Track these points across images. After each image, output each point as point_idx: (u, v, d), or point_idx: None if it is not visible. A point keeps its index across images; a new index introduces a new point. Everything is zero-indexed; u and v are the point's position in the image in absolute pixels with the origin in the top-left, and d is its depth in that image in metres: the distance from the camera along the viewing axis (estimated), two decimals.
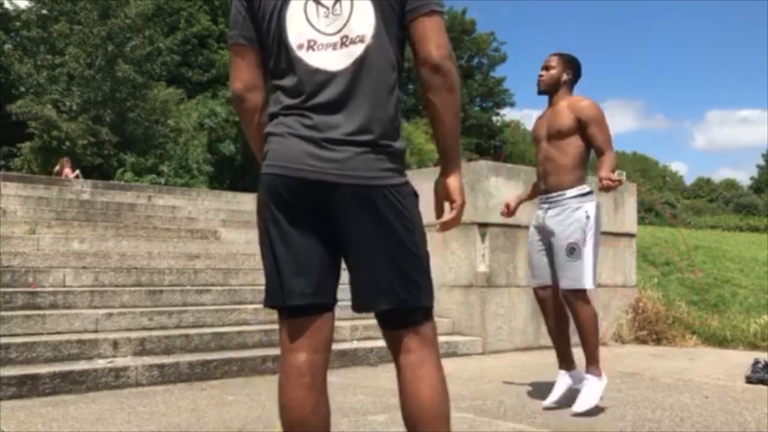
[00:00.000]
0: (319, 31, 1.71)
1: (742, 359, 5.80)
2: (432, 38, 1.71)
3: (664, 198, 32.51)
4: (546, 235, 3.81)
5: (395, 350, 1.84)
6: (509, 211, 4.13)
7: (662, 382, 4.88)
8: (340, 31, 1.70)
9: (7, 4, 20.77)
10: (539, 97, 4.00)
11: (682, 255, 10.34)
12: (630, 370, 5.43)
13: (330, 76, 1.69)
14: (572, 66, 3.87)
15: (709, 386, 4.71)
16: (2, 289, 4.92)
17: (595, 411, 3.68)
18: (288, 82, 1.74)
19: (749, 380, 4.86)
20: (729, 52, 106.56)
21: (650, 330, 7.52)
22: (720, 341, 7.33)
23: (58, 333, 4.70)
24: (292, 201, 1.72)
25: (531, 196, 4.23)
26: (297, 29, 1.72)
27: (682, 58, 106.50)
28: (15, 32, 20.75)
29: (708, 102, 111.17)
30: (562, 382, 3.86)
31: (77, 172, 15.89)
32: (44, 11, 20.58)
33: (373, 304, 1.81)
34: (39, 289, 5.20)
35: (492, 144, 34.27)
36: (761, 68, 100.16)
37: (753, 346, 7.01)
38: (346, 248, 1.78)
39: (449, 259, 6.78)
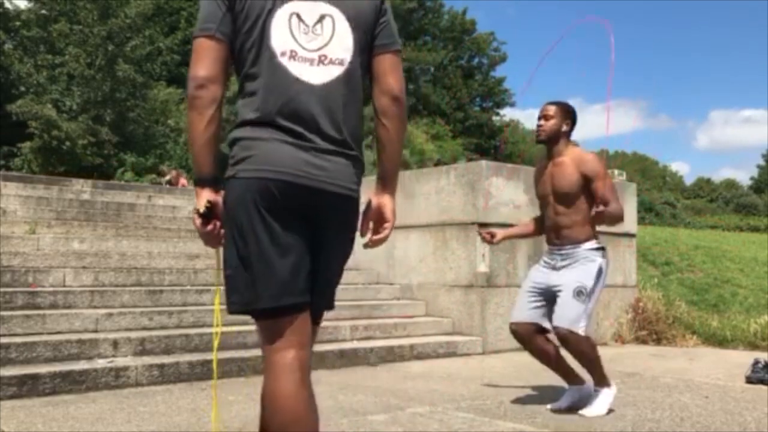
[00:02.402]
0: (299, 44, 1.83)
1: (742, 359, 5.80)
2: (395, 73, 1.93)
3: (664, 198, 32.47)
4: (550, 278, 3.78)
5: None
6: (490, 239, 4.07)
7: (662, 382, 4.88)
8: (319, 49, 1.83)
9: (7, 4, 20.77)
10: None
11: (682, 255, 10.34)
12: (630, 370, 5.43)
13: (309, 88, 1.80)
14: (570, 116, 3.88)
15: (709, 386, 4.71)
16: (2, 289, 4.92)
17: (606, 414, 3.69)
18: (266, 86, 1.81)
19: (749, 380, 4.86)
20: (732, 51, 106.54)
21: (650, 330, 7.52)
22: (720, 341, 7.33)
23: (58, 333, 4.69)
24: (284, 204, 1.77)
25: (525, 235, 4.25)
26: (281, 38, 1.82)
27: (686, 58, 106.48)
28: (15, 32, 20.75)
29: (711, 102, 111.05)
30: (570, 395, 3.83)
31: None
32: (44, 11, 20.58)
33: (321, 301, 1.92)
34: (39, 289, 5.20)
35: (492, 144, 34.27)
36: (764, 68, 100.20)
37: (753, 346, 7.02)
38: (320, 250, 1.87)
39: (449, 259, 6.78)
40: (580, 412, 3.69)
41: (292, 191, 1.76)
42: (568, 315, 3.65)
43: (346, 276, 8.63)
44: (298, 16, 1.83)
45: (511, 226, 6.36)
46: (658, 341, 7.45)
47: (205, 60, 1.83)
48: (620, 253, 7.78)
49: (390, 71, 1.92)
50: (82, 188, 10.86)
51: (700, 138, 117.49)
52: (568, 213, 3.78)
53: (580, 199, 3.76)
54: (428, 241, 7.03)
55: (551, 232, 3.88)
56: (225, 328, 5.21)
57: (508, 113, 44.38)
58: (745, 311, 8.39)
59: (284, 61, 1.81)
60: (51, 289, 5.26)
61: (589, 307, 3.68)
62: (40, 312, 4.82)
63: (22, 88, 19.17)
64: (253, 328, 5.61)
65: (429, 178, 7.16)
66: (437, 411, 3.75)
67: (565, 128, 3.85)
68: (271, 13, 1.82)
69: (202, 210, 1.82)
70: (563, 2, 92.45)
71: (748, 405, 4.06)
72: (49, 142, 17.80)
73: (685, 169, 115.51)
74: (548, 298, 3.77)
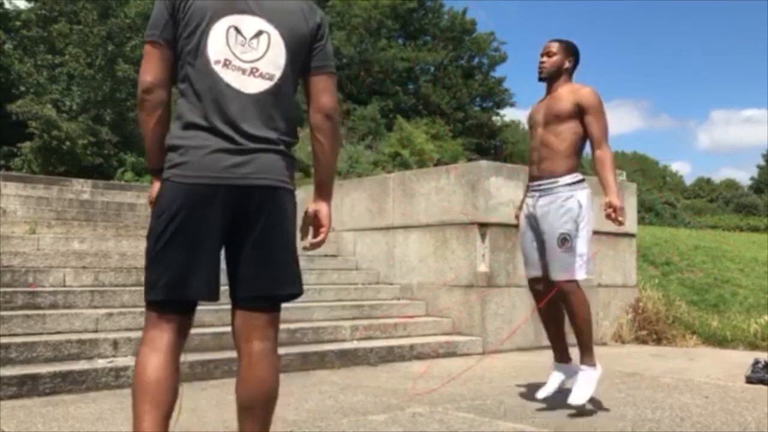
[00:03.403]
0: (234, 54, 1.98)
1: (742, 359, 5.80)
2: (328, 93, 2.12)
3: (664, 198, 32.44)
4: (537, 224, 3.77)
5: (248, 335, 2.01)
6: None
7: (662, 382, 4.88)
8: (252, 62, 1.99)
9: (7, 4, 20.76)
10: (539, 97, 3.98)
11: (682, 255, 10.34)
12: (630, 370, 5.43)
13: (239, 95, 1.96)
14: (573, 53, 3.84)
15: (709, 386, 4.71)
16: (2, 289, 4.92)
17: (592, 410, 3.67)
18: (199, 91, 1.96)
19: (749, 380, 4.86)
20: (733, 51, 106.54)
21: (650, 330, 7.52)
22: (720, 341, 7.33)
23: (58, 333, 4.70)
24: (208, 206, 1.92)
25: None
26: (216, 47, 1.97)
27: (687, 58, 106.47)
28: (15, 32, 20.74)
29: (712, 102, 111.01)
30: (556, 377, 3.83)
31: None
32: (44, 11, 20.57)
33: (265, 288, 2.02)
34: (39, 288, 5.20)
35: (492, 144, 34.24)
36: (765, 67, 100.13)
37: (753, 346, 7.01)
38: (246, 245, 1.98)
39: (449, 259, 6.78)
40: (568, 401, 3.63)
41: (219, 193, 1.91)
42: (559, 266, 3.63)
43: (347, 276, 8.63)
44: (237, 28, 1.98)
45: (511, 226, 6.37)
46: (658, 341, 7.44)
47: (151, 65, 2.00)
48: (620, 253, 7.78)
49: (323, 91, 2.10)
50: (82, 188, 10.86)
51: (701, 138, 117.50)
52: (552, 142, 3.72)
53: (568, 127, 3.69)
54: (428, 241, 7.03)
55: (533, 164, 3.83)
56: (225, 328, 5.21)
57: (508, 113, 44.37)
58: (745, 311, 8.39)
59: (218, 68, 1.96)
60: (51, 289, 5.26)
61: (579, 249, 3.61)
62: (40, 312, 4.82)
63: (22, 88, 19.15)
64: None
65: (429, 178, 7.16)
66: (437, 411, 3.75)
67: (567, 65, 3.81)
68: (210, 23, 1.96)
69: (154, 198, 2.04)
70: (565, 2, 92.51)
71: (748, 405, 4.06)
72: (49, 142, 17.78)
73: (686, 169, 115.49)
74: (542, 244, 3.75)
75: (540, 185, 3.75)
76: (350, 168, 18.64)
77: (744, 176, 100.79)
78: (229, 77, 1.96)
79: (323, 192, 2.21)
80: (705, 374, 5.27)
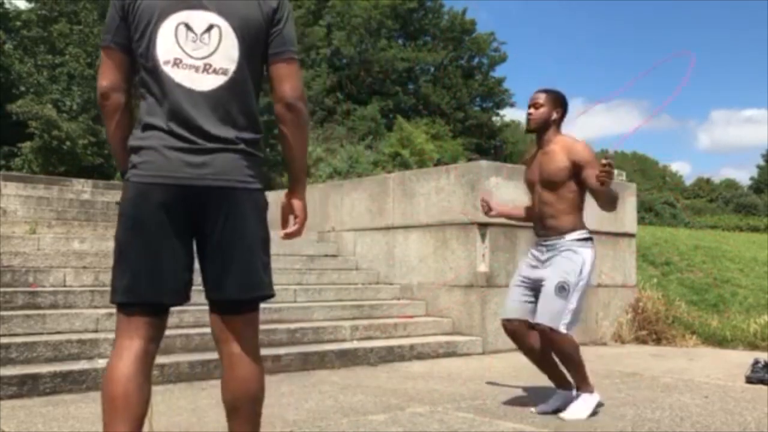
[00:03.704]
0: (185, 52, 1.93)
1: (742, 359, 5.81)
2: (288, 81, 2.00)
3: (664, 198, 32.44)
4: (538, 273, 3.73)
5: (226, 337, 2.00)
6: (488, 209, 4.07)
7: (662, 382, 4.89)
8: (204, 58, 1.93)
9: (7, 5, 20.76)
10: (531, 150, 3.95)
11: (682, 255, 10.34)
12: (630, 370, 5.43)
13: (192, 93, 1.91)
14: (560, 104, 3.80)
15: (709, 386, 4.72)
16: (2, 289, 4.92)
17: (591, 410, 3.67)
18: (154, 94, 1.93)
19: (749, 380, 4.86)
20: (734, 51, 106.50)
21: (650, 330, 7.52)
22: (720, 341, 7.33)
23: (59, 333, 4.70)
24: (165, 207, 1.89)
25: (518, 218, 4.18)
26: (165, 47, 1.92)
27: (688, 58, 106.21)
28: (15, 32, 20.74)
29: (713, 102, 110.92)
30: (559, 397, 3.80)
31: None
32: (44, 11, 20.58)
33: (231, 292, 1.97)
34: (39, 288, 5.20)
35: (492, 144, 34.24)
36: (765, 67, 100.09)
37: (753, 346, 7.02)
38: (209, 247, 1.94)
39: (449, 259, 6.78)
40: (560, 414, 3.63)
41: (175, 194, 1.88)
42: (549, 311, 3.59)
43: (347, 276, 8.62)
44: (187, 25, 1.93)
45: (511, 226, 6.39)
46: (657, 341, 7.45)
47: (106, 70, 2.00)
48: (620, 253, 7.78)
49: (283, 79, 2.00)
50: (82, 188, 10.86)
51: (701, 138, 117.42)
52: (553, 201, 3.71)
53: (567, 187, 3.68)
54: (428, 241, 7.03)
55: (537, 222, 3.83)
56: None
57: (508, 113, 44.38)
58: (745, 311, 8.39)
59: (167, 68, 1.92)
60: (51, 288, 5.26)
61: (573, 303, 3.59)
62: (41, 312, 4.82)
63: (23, 88, 19.15)
64: None
65: (429, 178, 7.16)
66: (437, 411, 3.75)
67: (555, 116, 3.78)
68: (158, 22, 1.92)
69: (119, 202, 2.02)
70: (565, 2, 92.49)
71: (748, 405, 4.06)
72: (49, 142, 17.79)
73: (686, 169, 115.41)
74: (536, 292, 3.72)
75: (547, 241, 3.75)
76: (350, 168, 18.64)
77: (744, 176, 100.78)
78: (180, 76, 1.91)
79: (294, 185, 2.13)
80: (705, 374, 5.27)
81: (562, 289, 3.59)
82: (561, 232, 3.69)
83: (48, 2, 20.41)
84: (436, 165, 18.12)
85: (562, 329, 3.59)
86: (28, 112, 17.69)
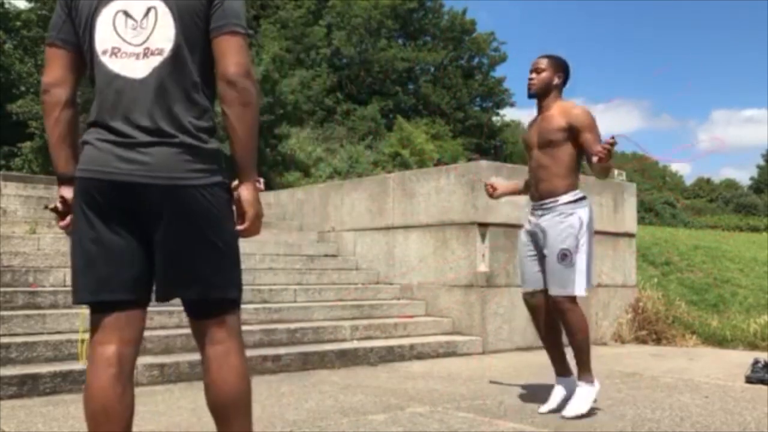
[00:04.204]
0: (124, 40, 1.84)
1: (742, 359, 5.81)
2: (230, 56, 1.83)
3: (664, 198, 32.46)
4: (538, 240, 3.75)
5: (201, 341, 1.93)
6: (492, 191, 4.10)
7: (662, 382, 4.89)
8: (143, 43, 1.84)
9: (6, 5, 20.76)
10: (532, 117, 3.95)
11: (682, 255, 10.34)
12: (630, 370, 5.43)
13: (130, 83, 1.82)
14: (562, 69, 3.80)
15: (709, 386, 4.72)
16: (2, 289, 4.92)
17: (588, 414, 3.66)
18: (97, 86, 1.88)
19: (749, 380, 4.86)
20: (734, 51, 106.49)
21: (650, 330, 7.53)
22: (720, 341, 7.34)
23: (59, 332, 4.70)
24: (102, 202, 1.82)
25: (521, 193, 4.18)
26: (102, 36, 1.86)
27: (688, 58, 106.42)
28: (15, 32, 20.74)
29: (713, 101, 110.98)
30: (559, 392, 3.81)
31: None
32: (44, 11, 20.57)
33: (182, 293, 1.89)
34: (39, 288, 5.20)
35: (492, 144, 34.24)
36: (766, 67, 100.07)
37: (753, 346, 7.02)
38: (155, 244, 1.85)
39: (449, 259, 6.78)
40: (561, 413, 3.62)
41: (107, 189, 1.80)
42: (559, 281, 3.62)
43: (347, 276, 8.59)
44: (126, 12, 1.85)
45: (511, 225, 6.39)
46: (657, 341, 7.45)
47: (48, 67, 1.94)
48: (620, 252, 7.78)
49: (224, 54, 1.84)
50: None
51: (701, 138, 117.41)
52: (549, 164, 3.71)
53: (563, 149, 3.68)
54: (428, 241, 7.03)
55: (532, 186, 3.83)
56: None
57: (508, 113, 44.36)
58: (745, 311, 8.39)
59: (105, 59, 1.85)
60: (51, 288, 5.26)
61: (581, 265, 3.60)
62: (41, 312, 4.82)
63: (23, 88, 19.15)
64: (253, 327, 5.59)
65: (429, 178, 7.16)
66: (437, 411, 3.75)
67: (556, 81, 3.77)
68: (96, 13, 1.87)
69: (52, 206, 1.96)
70: (568, 2, 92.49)
71: (748, 405, 4.07)
72: None
73: (686, 169, 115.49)
74: (543, 260, 3.74)
75: (542, 205, 3.75)
76: (350, 168, 18.65)
77: (744, 176, 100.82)
78: (118, 66, 1.83)
79: (241, 174, 1.90)
80: (705, 374, 5.27)
81: (565, 256, 3.61)
82: (555, 194, 3.69)
83: (48, 2, 20.39)
84: (436, 165, 18.11)
85: (578, 292, 3.60)
86: (28, 112, 17.70)
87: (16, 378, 3.89)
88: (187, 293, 1.88)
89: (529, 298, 3.87)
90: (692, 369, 5.57)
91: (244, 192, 1.90)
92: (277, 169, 17.97)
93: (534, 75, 3.79)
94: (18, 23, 20.75)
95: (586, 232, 3.66)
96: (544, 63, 3.79)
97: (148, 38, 1.83)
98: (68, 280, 5.48)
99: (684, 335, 7.51)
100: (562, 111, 3.71)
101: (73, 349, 4.44)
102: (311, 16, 29.37)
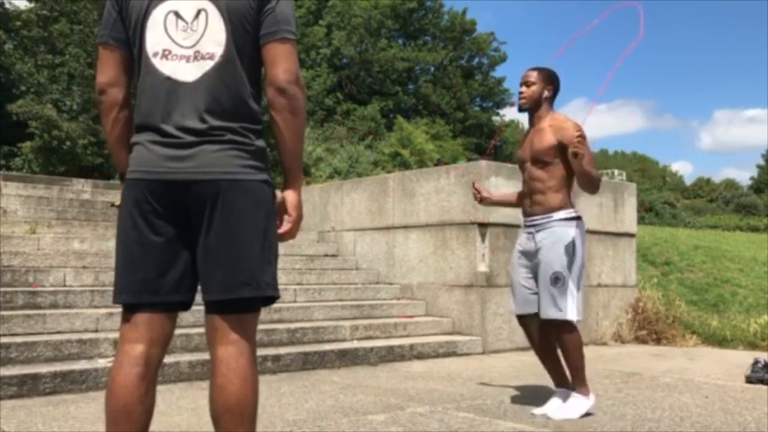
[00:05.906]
0: (175, 42, 1.85)
1: (742, 359, 5.81)
2: (281, 63, 1.85)
3: (664, 198, 32.43)
4: (531, 259, 3.73)
5: (213, 338, 1.87)
6: (481, 197, 4.08)
7: (662, 382, 4.89)
8: (193, 45, 1.84)
9: (7, 4, 20.77)
10: (524, 131, 3.95)
11: (682, 255, 10.34)
12: (630, 370, 5.43)
13: (181, 86, 1.83)
14: (552, 81, 3.79)
15: (709, 386, 4.72)
16: (2, 289, 4.93)
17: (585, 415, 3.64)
18: (145, 88, 1.88)
19: (749, 380, 4.87)
20: (737, 50, 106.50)
21: (650, 330, 7.53)
22: (720, 341, 7.34)
23: (59, 332, 4.70)
24: (151, 203, 1.83)
25: (510, 205, 4.18)
26: (154, 38, 1.86)
27: (691, 57, 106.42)
28: (15, 32, 20.74)
29: (715, 101, 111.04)
30: (557, 400, 3.78)
31: None
32: (44, 11, 20.57)
33: (231, 292, 1.85)
34: (39, 288, 5.20)
35: (492, 144, 34.22)
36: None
37: (753, 346, 7.02)
38: (201, 246, 1.85)
39: (449, 259, 6.78)
40: (549, 413, 3.62)
41: (158, 189, 1.81)
42: (550, 304, 3.60)
43: (347, 276, 8.60)
44: (177, 13, 1.85)
45: (511, 226, 6.39)
46: (658, 341, 7.45)
47: (102, 66, 1.95)
48: (620, 252, 7.78)
49: (275, 61, 1.85)
50: (82, 188, 10.86)
51: (703, 137, 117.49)
52: (542, 178, 3.71)
53: (555, 165, 3.68)
54: (428, 241, 7.03)
55: (526, 199, 3.83)
56: None
57: (508, 113, 44.33)
58: (745, 311, 8.40)
59: (156, 61, 1.85)
60: (51, 288, 5.26)
61: (571, 286, 3.58)
62: (41, 312, 4.82)
63: (23, 88, 19.15)
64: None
65: (429, 178, 7.16)
66: (437, 411, 3.75)
67: (546, 94, 3.77)
68: (147, 13, 1.86)
69: (115, 203, 2.02)
70: (570, 2, 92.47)
71: (748, 405, 4.07)
72: (49, 142, 17.79)
73: (688, 169, 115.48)
74: (536, 279, 3.72)
75: (534, 221, 3.74)
76: (350, 168, 18.64)
77: (745, 176, 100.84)
78: (169, 69, 1.84)
79: (288, 178, 1.96)
80: (705, 374, 5.27)
81: (557, 280, 3.59)
82: (549, 210, 3.69)
83: (48, 2, 20.40)
84: (436, 164, 18.11)
85: (570, 317, 3.58)
86: (28, 112, 17.70)
87: (16, 378, 3.89)
88: (220, 291, 1.83)
89: (519, 319, 3.85)
90: (692, 369, 5.57)
91: (290, 195, 1.96)
92: (277, 169, 17.96)
93: (524, 88, 3.80)
94: (18, 23, 20.75)
95: (579, 255, 3.65)
96: (533, 76, 3.79)
97: (198, 41, 1.84)
98: (68, 280, 5.51)
99: (684, 335, 7.52)
100: (552, 126, 3.71)
101: (72, 349, 4.44)
102: (311, 16, 29.38)
